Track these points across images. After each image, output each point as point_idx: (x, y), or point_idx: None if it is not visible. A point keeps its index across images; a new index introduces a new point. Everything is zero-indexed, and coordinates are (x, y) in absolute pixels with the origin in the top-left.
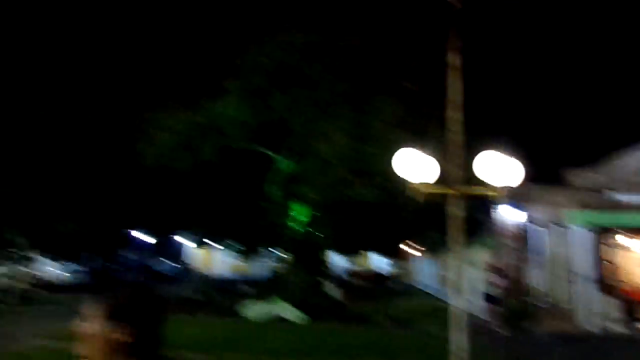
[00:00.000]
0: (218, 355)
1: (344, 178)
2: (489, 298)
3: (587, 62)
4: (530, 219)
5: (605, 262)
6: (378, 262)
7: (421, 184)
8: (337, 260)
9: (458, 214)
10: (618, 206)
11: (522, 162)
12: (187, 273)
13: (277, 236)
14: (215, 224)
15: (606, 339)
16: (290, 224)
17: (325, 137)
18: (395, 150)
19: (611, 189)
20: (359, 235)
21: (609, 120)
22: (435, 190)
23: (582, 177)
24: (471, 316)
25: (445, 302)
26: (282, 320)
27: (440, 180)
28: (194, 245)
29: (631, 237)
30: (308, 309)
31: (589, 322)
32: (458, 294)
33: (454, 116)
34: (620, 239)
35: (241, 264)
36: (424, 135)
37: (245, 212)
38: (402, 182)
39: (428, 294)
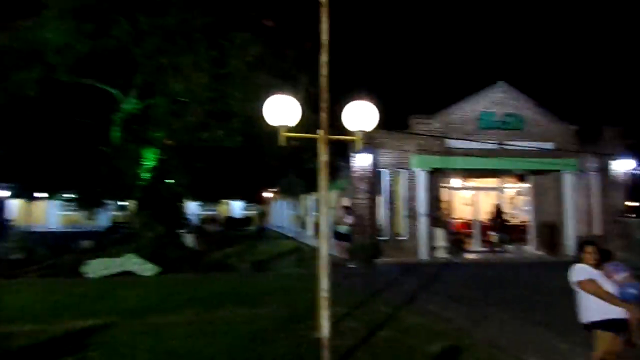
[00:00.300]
0: (51, 323)
1: (201, 121)
2: (338, 235)
3: (436, 19)
4: (379, 163)
5: (438, 200)
6: (234, 207)
7: (284, 127)
8: (191, 207)
9: (324, 158)
10: (450, 151)
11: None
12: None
13: (122, 184)
14: (42, 172)
15: (437, 266)
16: (138, 171)
17: (179, 74)
18: (256, 93)
19: (446, 136)
20: (218, 182)
21: (451, 74)
22: (299, 135)
23: (423, 125)
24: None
25: (301, 243)
26: (131, 275)
27: (306, 126)
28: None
29: (460, 178)
30: (161, 261)
31: (426, 253)
32: (324, 237)
33: (324, 58)
34: (451, 180)
35: (77, 215)
36: (288, 78)
37: (82, 159)
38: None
39: (285, 235)
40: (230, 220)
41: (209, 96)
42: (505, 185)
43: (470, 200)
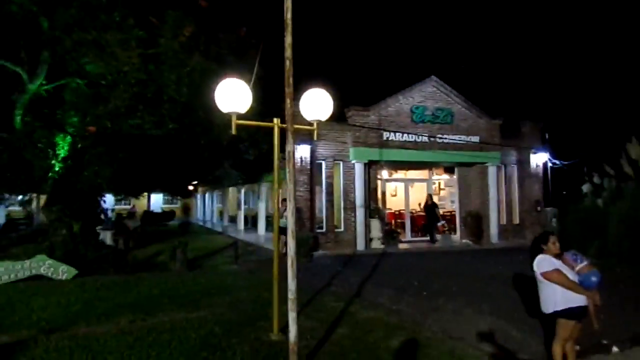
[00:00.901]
0: None
1: (128, 105)
2: (278, 229)
3: (372, 12)
4: (318, 154)
5: (374, 191)
6: (152, 201)
7: (235, 114)
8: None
9: (290, 148)
10: (386, 143)
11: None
12: None
13: (28, 176)
14: None
15: (374, 257)
16: (49, 161)
17: (104, 53)
18: (191, 77)
19: (381, 128)
20: (143, 173)
21: (386, 66)
22: (253, 123)
23: (360, 117)
24: (262, 248)
25: (232, 238)
26: (43, 280)
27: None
28: None
29: (392, 170)
30: (77, 263)
31: (363, 244)
32: (292, 233)
33: (288, 40)
34: (384, 171)
35: None
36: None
37: None
38: (202, 113)
39: (212, 230)
40: (150, 215)
41: (139, 78)
42: (434, 177)
43: (402, 191)
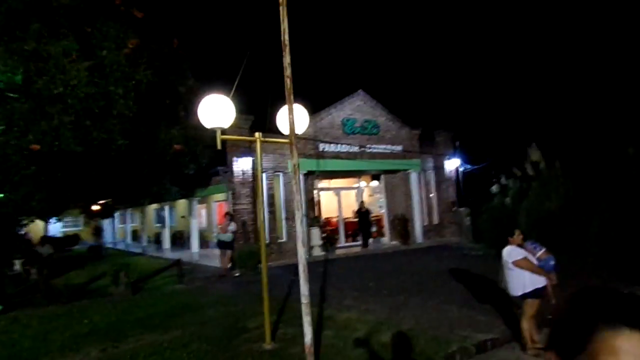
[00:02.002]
0: None
1: (73, 121)
2: (222, 244)
3: (305, 29)
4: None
5: (312, 201)
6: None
7: (220, 129)
8: None
9: (295, 161)
10: (322, 154)
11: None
12: None
13: None
14: None
15: (318, 263)
16: None
17: (48, 65)
18: (137, 89)
19: (318, 139)
20: (77, 194)
21: (320, 81)
22: (235, 138)
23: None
24: (199, 265)
25: (158, 258)
26: None
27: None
28: None
29: (326, 180)
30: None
31: (305, 253)
32: (301, 243)
33: (287, 60)
34: (320, 181)
35: None
36: (166, 76)
37: None
38: (149, 127)
39: (130, 252)
40: (50, 240)
41: (87, 92)
42: (362, 184)
43: (333, 199)
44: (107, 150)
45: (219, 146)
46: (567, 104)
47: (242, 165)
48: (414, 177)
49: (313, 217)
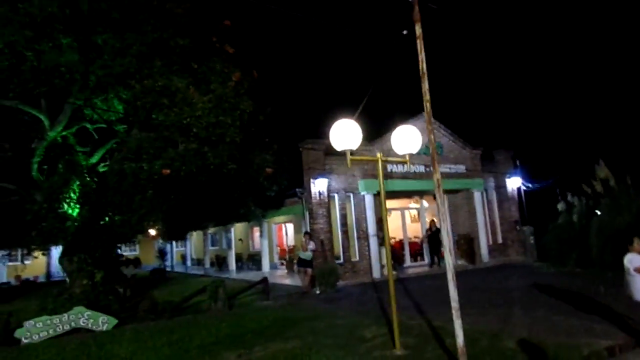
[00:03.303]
0: None
1: (196, 148)
2: (302, 262)
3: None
4: (333, 188)
5: (380, 220)
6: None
7: (347, 151)
8: None
9: (438, 176)
10: (390, 175)
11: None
12: None
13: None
14: None
15: (384, 282)
16: (64, 207)
17: (175, 99)
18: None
19: (385, 160)
20: (184, 217)
21: (385, 104)
22: (361, 158)
23: (366, 151)
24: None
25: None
26: (83, 332)
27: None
28: None
29: (393, 200)
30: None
31: (378, 272)
32: (447, 249)
33: (425, 86)
34: (390, 200)
35: None
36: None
37: None
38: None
39: (191, 274)
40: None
41: (209, 122)
42: (424, 204)
43: (398, 219)
44: (220, 174)
45: (349, 165)
46: (633, 117)
47: (319, 186)
48: (477, 196)
49: (383, 237)
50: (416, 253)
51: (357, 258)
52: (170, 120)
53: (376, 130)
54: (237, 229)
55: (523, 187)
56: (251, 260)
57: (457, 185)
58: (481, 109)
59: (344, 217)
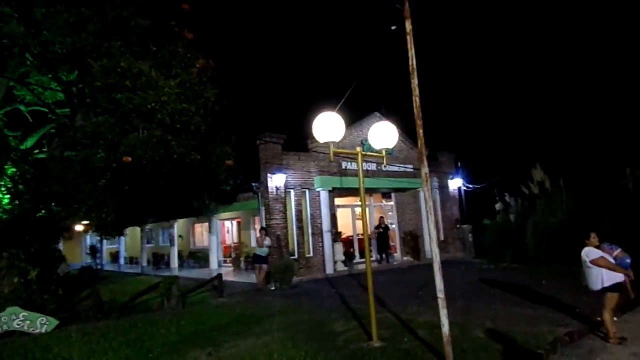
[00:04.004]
0: None
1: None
2: (258, 259)
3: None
4: (289, 184)
5: (333, 217)
6: None
7: (331, 143)
8: None
9: (425, 170)
10: (345, 172)
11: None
12: None
13: None
14: None
15: (348, 277)
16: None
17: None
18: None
19: (340, 158)
20: (123, 209)
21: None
22: (344, 152)
23: (322, 148)
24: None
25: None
26: (22, 336)
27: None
28: None
29: (345, 197)
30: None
31: (332, 268)
32: (434, 242)
33: (415, 82)
34: (340, 198)
35: None
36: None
37: None
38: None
39: (128, 273)
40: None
41: (176, 108)
42: (375, 202)
43: (349, 216)
44: (180, 165)
45: (332, 159)
46: (568, 124)
47: (276, 181)
48: (423, 195)
49: (336, 233)
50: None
51: (312, 254)
52: (134, 105)
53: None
54: (178, 225)
55: (464, 188)
56: (193, 258)
57: (406, 184)
58: (426, 111)
59: (299, 213)
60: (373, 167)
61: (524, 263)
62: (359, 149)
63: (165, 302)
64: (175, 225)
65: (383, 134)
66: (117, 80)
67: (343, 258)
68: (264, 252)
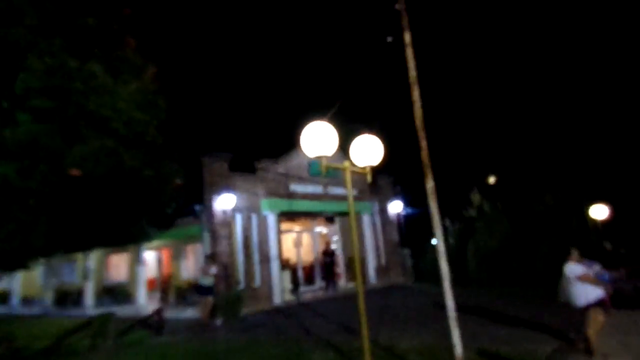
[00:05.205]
0: None
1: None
2: (202, 289)
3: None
4: (236, 207)
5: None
6: None
7: (324, 157)
8: None
9: (431, 184)
10: (293, 195)
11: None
12: None
13: None
14: None
15: (297, 307)
16: None
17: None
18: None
19: (288, 179)
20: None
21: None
22: (335, 166)
23: (270, 169)
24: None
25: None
26: None
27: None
28: None
29: (288, 221)
30: None
31: (280, 298)
32: (441, 259)
33: (415, 94)
34: (285, 223)
35: None
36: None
37: None
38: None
39: (24, 315)
40: None
41: (132, 117)
42: (319, 226)
43: (295, 241)
44: (132, 182)
45: (323, 172)
46: (504, 150)
47: (223, 204)
48: (366, 219)
49: (283, 260)
50: (309, 276)
51: (259, 283)
52: (88, 110)
53: (280, 146)
54: (101, 256)
55: (403, 212)
56: (110, 293)
57: (355, 208)
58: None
59: (246, 239)
60: (319, 189)
61: (466, 286)
62: (346, 163)
63: (98, 343)
64: (91, 256)
65: (366, 149)
66: (63, 82)
67: (290, 286)
68: (209, 282)
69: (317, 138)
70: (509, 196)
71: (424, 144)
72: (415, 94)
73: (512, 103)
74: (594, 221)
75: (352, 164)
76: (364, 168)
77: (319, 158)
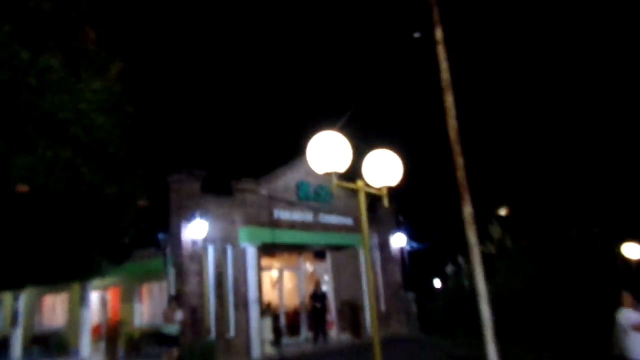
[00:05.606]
0: None
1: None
2: (165, 339)
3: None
4: (208, 237)
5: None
6: None
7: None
8: None
9: (468, 210)
10: (277, 223)
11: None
12: None
13: None
14: None
15: None
16: None
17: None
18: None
19: (272, 204)
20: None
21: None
22: (346, 185)
23: (249, 192)
24: None
25: None
26: None
27: None
28: None
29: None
30: None
31: (258, 351)
32: (482, 298)
33: (449, 99)
34: (266, 258)
35: None
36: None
37: None
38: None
39: None
40: None
41: (95, 122)
42: (307, 263)
43: (277, 281)
44: (93, 200)
45: (334, 192)
46: (517, 177)
47: (193, 233)
48: (363, 255)
49: (264, 304)
50: (294, 325)
51: (233, 333)
52: (43, 110)
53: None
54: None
55: (407, 247)
56: (42, 343)
57: (343, 240)
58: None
59: (219, 276)
60: (309, 217)
61: (481, 338)
62: (360, 183)
63: None
64: (21, 298)
65: (382, 167)
66: (12, 75)
67: (271, 337)
68: (174, 330)
69: (328, 151)
70: (526, 230)
71: (460, 161)
72: (449, 100)
73: (521, 125)
74: (627, 260)
75: (366, 184)
76: (380, 189)
77: (329, 174)
